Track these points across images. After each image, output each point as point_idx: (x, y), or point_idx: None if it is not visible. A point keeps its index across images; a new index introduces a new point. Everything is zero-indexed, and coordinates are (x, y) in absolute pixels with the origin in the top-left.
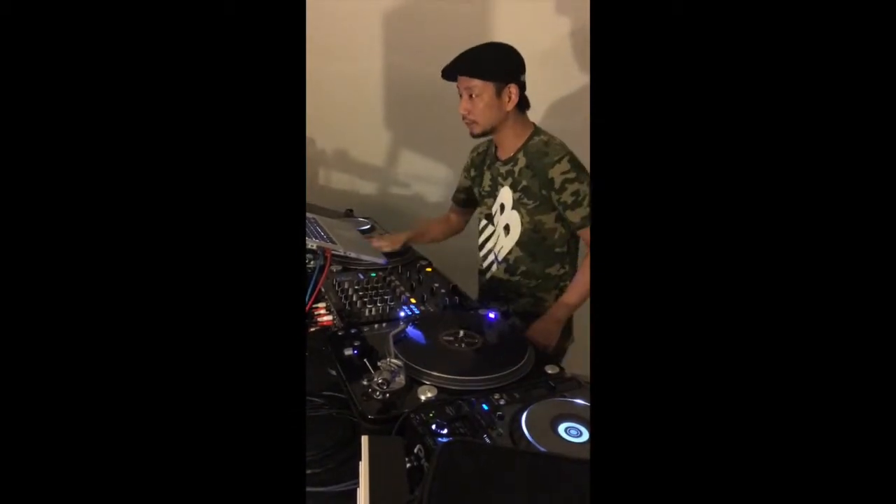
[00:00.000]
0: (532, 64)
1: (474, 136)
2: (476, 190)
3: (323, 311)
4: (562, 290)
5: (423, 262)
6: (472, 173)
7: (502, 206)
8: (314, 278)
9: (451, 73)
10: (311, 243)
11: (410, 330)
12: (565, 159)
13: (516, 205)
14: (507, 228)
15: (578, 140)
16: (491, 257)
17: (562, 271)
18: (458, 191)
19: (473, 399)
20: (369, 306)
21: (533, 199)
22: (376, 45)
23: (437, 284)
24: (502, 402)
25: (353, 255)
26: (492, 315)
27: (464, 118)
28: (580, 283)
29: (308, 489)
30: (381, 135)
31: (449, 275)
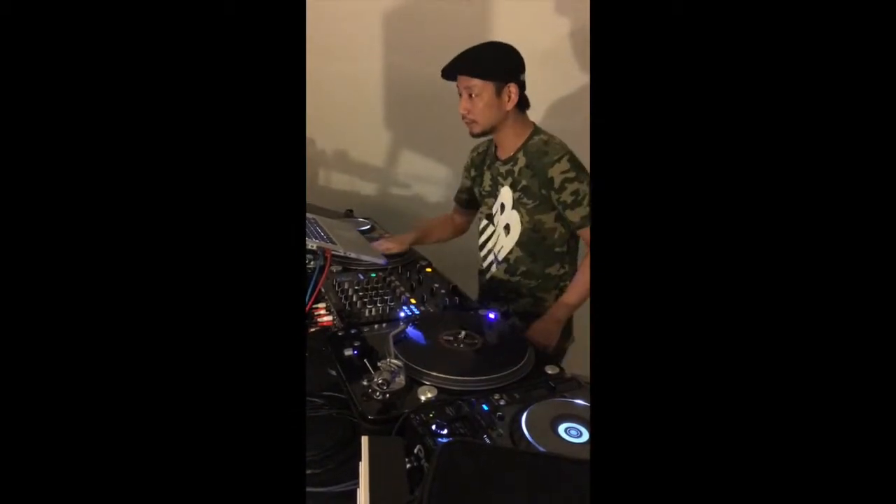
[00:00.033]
0: (532, 64)
1: (474, 135)
2: (476, 190)
3: (323, 312)
4: (562, 290)
5: (423, 263)
6: (473, 173)
7: (502, 206)
8: (314, 278)
9: (450, 72)
10: (311, 244)
11: (410, 330)
12: (565, 159)
13: (516, 204)
14: (507, 228)
15: (578, 140)
16: (491, 257)
17: (562, 271)
18: (459, 191)
19: (473, 399)
20: (369, 307)
21: (533, 198)
22: (376, 45)
23: (437, 285)
24: (502, 402)
25: (353, 255)
26: (492, 315)
27: (463, 117)
28: (580, 283)
29: (308, 489)
30: (381, 135)
31: (449, 275)
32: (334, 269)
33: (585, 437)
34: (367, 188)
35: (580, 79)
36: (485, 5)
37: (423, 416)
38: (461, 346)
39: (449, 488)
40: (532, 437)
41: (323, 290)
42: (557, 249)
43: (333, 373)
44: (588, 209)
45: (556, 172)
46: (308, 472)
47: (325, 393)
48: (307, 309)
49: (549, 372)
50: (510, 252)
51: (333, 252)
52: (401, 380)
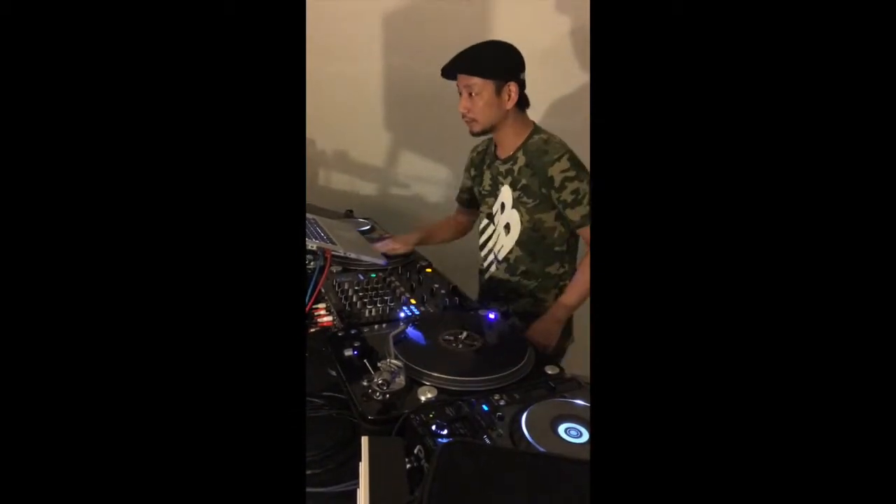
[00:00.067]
0: (532, 63)
1: (474, 134)
2: (477, 189)
3: (323, 312)
4: (561, 290)
5: (423, 263)
6: (473, 172)
7: (503, 206)
8: (314, 279)
9: (450, 71)
10: (311, 244)
11: (410, 331)
12: (565, 157)
13: (516, 203)
14: (507, 227)
15: (578, 139)
16: (491, 257)
17: (561, 270)
18: (461, 191)
19: (473, 400)
20: (369, 307)
21: (533, 197)
22: (376, 45)
23: (436, 285)
24: (502, 402)
25: (353, 255)
26: (492, 316)
27: (463, 116)
28: (579, 283)
29: (308, 489)
30: (381, 135)
31: (449, 275)
32: (334, 269)
33: (585, 437)
34: (367, 188)
35: (580, 77)
36: (485, 5)
37: (423, 416)
38: (461, 346)
39: (449, 488)
40: (532, 438)
41: (323, 290)
42: (557, 248)
43: (333, 373)
44: (588, 208)
45: (556, 171)
46: (308, 472)
47: (325, 393)
48: (307, 309)
49: (549, 372)
50: (510, 251)
51: (333, 252)
52: (401, 380)
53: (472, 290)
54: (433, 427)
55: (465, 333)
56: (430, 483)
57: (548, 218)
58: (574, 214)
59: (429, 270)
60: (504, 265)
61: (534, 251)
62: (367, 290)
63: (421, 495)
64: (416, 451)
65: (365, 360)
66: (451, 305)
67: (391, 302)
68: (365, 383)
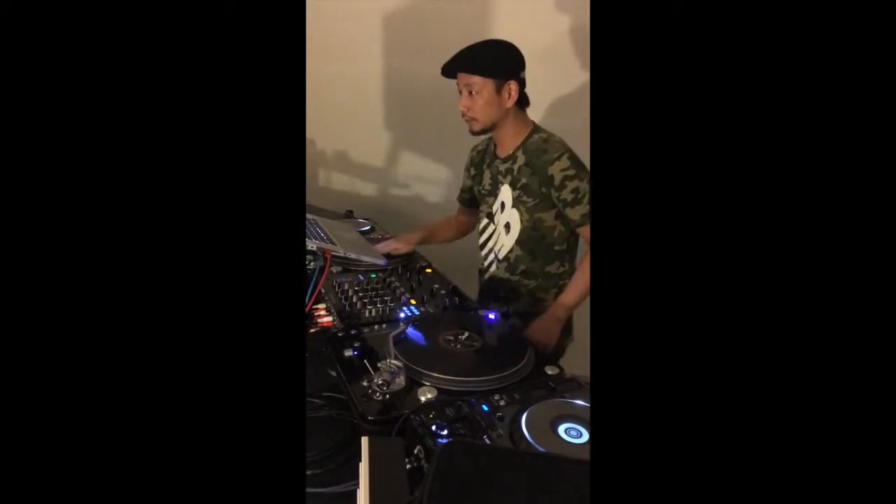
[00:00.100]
0: (532, 62)
1: (474, 133)
2: (476, 189)
3: (323, 313)
4: (561, 289)
5: (423, 264)
6: (473, 172)
7: (503, 205)
8: (314, 279)
9: (450, 69)
10: (311, 244)
11: (410, 331)
12: (564, 156)
13: (516, 203)
14: (507, 227)
15: (578, 139)
16: (492, 256)
17: (561, 269)
18: (462, 191)
19: (473, 400)
20: (369, 307)
21: (532, 196)
22: (376, 45)
23: (436, 285)
24: (502, 402)
25: (353, 256)
26: (492, 316)
27: (463, 115)
28: (579, 282)
29: (308, 490)
30: (381, 135)
31: (449, 275)
32: (334, 269)
33: (585, 437)
34: (367, 189)
35: (580, 76)
36: (485, 4)
37: (423, 416)
38: (461, 346)
39: (449, 489)
40: (532, 438)
41: (323, 290)
42: (557, 248)
43: (333, 373)
44: (588, 207)
45: (556, 170)
46: (308, 472)
47: (325, 393)
48: (307, 310)
49: (549, 372)
50: (510, 250)
51: (333, 253)
52: (401, 380)
53: (471, 291)
54: (433, 427)
55: (465, 334)
56: (430, 483)
57: (548, 217)
58: (574, 213)
59: (429, 271)
60: (504, 264)
61: (534, 250)
62: (367, 290)
63: (421, 495)
64: (416, 452)
65: (365, 361)
66: (451, 306)
67: (391, 302)
68: (365, 384)
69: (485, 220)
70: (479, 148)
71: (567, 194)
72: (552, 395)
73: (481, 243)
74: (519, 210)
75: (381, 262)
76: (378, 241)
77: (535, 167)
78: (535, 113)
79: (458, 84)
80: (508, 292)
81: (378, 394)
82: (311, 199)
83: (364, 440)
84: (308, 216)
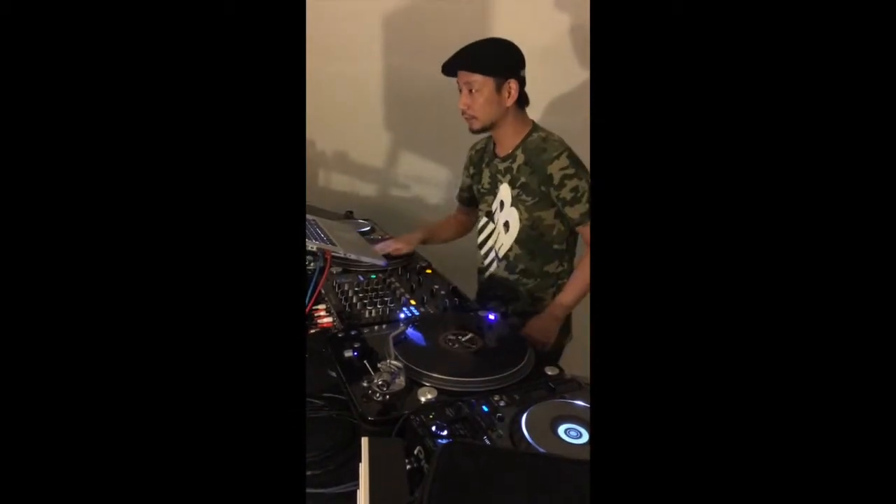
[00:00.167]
0: (531, 61)
1: (473, 131)
2: (475, 187)
3: (323, 313)
4: (559, 288)
5: (423, 264)
6: (472, 171)
7: (502, 203)
8: (314, 280)
9: (451, 67)
10: (311, 245)
11: (410, 331)
12: (564, 155)
13: (515, 201)
14: (506, 225)
15: (578, 138)
16: (492, 255)
17: (560, 269)
18: (461, 190)
19: (473, 400)
20: (369, 308)
21: (532, 195)
22: (376, 45)
23: (436, 286)
24: (502, 403)
25: (353, 256)
26: (491, 317)
27: (463, 113)
28: (578, 282)
29: (308, 490)
30: (381, 136)
31: (449, 276)
32: (334, 270)
33: (585, 438)
34: (367, 189)
35: (580, 76)
36: (484, 4)
37: (423, 417)
38: (461, 347)
39: (449, 489)
40: (532, 438)
41: (323, 291)
42: (556, 247)
43: (333, 374)
44: (587, 206)
45: (556, 169)
46: (308, 473)
47: (325, 394)
48: (307, 310)
49: (549, 373)
50: (509, 249)
51: (333, 253)
52: (401, 381)
53: (471, 291)
54: (433, 428)
55: (465, 334)
56: (430, 484)
57: (547, 216)
58: (573, 212)
59: (429, 271)
60: (504, 263)
61: (533, 249)
62: (367, 291)
63: (421, 496)
64: (416, 452)
65: (365, 361)
66: (450, 306)
67: (391, 303)
68: (365, 384)
69: (484, 219)
70: (478, 147)
71: (566, 193)
72: (552, 395)
73: (480, 242)
74: (518, 209)
75: (381, 262)
76: (378, 241)
77: (534, 166)
78: (534, 112)
79: (458, 82)
80: (507, 291)
81: (378, 394)
82: (310, 199)
83: (364, 441)
84: (308, 217)
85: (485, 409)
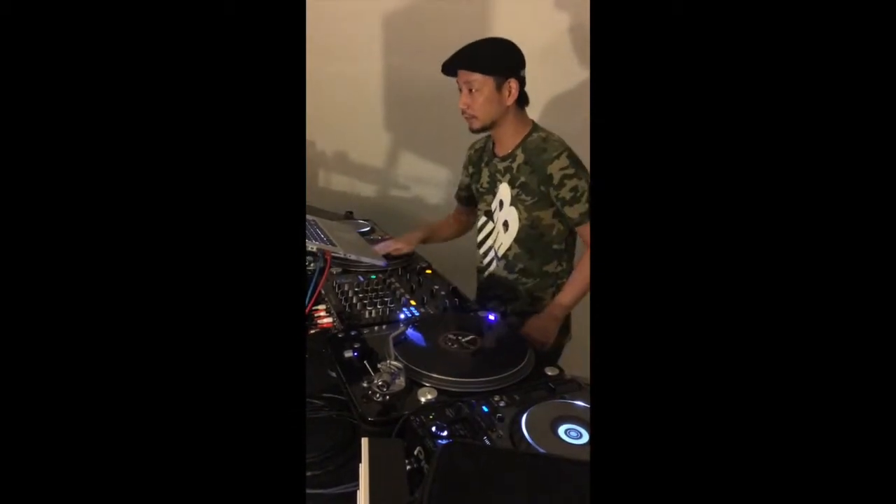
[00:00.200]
0: (531, 61)
1: (473, 131)
2: (474, 186)
3: (323, 314)
4: (559, 288)
5: (423, 265)
6: (471, 170)
7: (501, 203)
8: (314, 280)
9: (451, 67)
10: (311, 245)
11: (410, 332)
12: (564, 155)
13: (514, 201)
14: (505, 225)
15: (578, 138)
16: (491, 254)
17: (559, 269)
18: (459, 189)
19: (473, 401)
20: (369, 308)
21: (531, 195)
22: (376, 45)
23: (436, 286)
24: (502, 403)
25: (353, 257)
26: (491, 317)
27: (463, 112)
28: (577, 281)
29: (308, 491)
30: (381, 136)
31: (448, 275)
32: (334, 270)
33: (585, 438)
34: (367, 190)
35: (579, 75)
36: (485, 4)
37: (423, 417)
38: (461, 347)
39: (449, 489)
40: (532, 439)
41: (323, 291)
42: (555, 246)
43: (333, 374)
44: (587, 206)
45: (556, 169)
46: (308, 473)
47: (325, 394)
48: (307, 311)
49: (549, 373)
50: (509, 248)
51: (333, 254)
52: (401, 381)
53: (471, 291)
54: (433, 428)
55: (465, 335)
56: (430, 484)
57: (546, 216)
58: (573, 212)
59: (428, 272)
60: (503, 262)
61: (532, 249)
62: (366, 291)
63: (421, 496)
64: (416, 453)
65: (365, 362)
66: (450, 307)
67: (391, 303)
68: (365, 385)
69: (483, 219)
70: (477, 146)
71: (566, 193)
72: (552, 396)
73: (479, 241)
74: (517, 208)
75: (381, 263)
76: (378, 241)
77: (534, 166)
78: (534, 112)
79: (458, 82)
80: (506, 291)
81: (378, 395)
82: (310, 200)
83: (364, 441)
84: (308, 217)
85: (485, 409)
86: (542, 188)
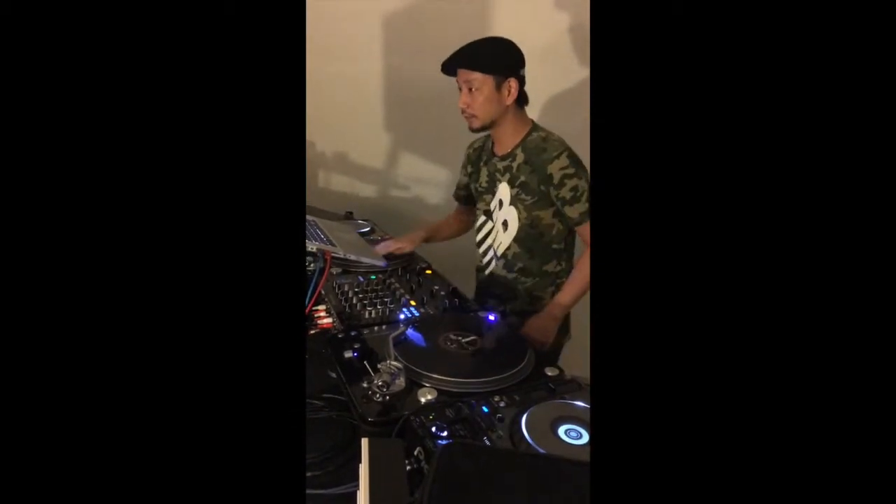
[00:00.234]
0: (531, 60)
1: (473, 130)
2: (473, 186)
3: (323, 314)
4: (558, 288)
5: (423, 265)
6: (470, 169)
7: (500, 202)
8: (314, 281)
9: (450, 66)
10: (311, 246)
11: (410, 332)
12: (564, 155)
13: (514, 200)
14: (505, 224)
15: (578, 138)
16: (490, 253)
17: (558, 268)
18: (458, 188)
19: (473, 401)
20: (369, 309)
21: (531, 194)
22: (376, 45)
23: (436, 287)
24: (502, 404)
25: (352, 257)
26: (491, 317)
27: (463, 112)
28: (576, 281)
29: (308, 491)
30: (381, 136)
31: (448, 275)
32: (334, 271)
33: (585, 438)
34: (367, 190)
35: (579, 74)
36: (485, 4)
37: (423, 417)
38: (461, 348)
39: (449, 490)
40: (532, 439)
41: (323, 292)
42: (555, 246)
43: (333, 375)
44: (587, 205)
45: (556, 169)
46: (308, 473)
47: (325, 395)
48: (307, 311)
49: (549, 374)
50: (508, 248)
51: (333, 254)
52: (401, 382)
53: (471, 290)
54: (433, 429)
55: (465, 335)
56: (430, 484)
57: (546, 215)
58: (572, 212)
59: (428, 272)
60: (503, 261)
61: (531, 248)
62: (366, 291)
63: (421, 497)
64: (416, 453)
65: (365, 362)
66: (450, 307)
67: (391, 303)
68: (365, 385)
69: (482, 218)
70: (476, 145)
71: (566, 192)
72: (552, 396)
73: (479, 240)
74: (517, 208)
75: (381, 263)
76: (378, 242)
77: (534, 165)
78: (533, 111)
79: (457, 81)
80: (506, 290)
81: (378, 395)
82: (310, 200)
83: (364, 441)
84: (308, 217)
85: (485, 409)
86: (542, 188)
